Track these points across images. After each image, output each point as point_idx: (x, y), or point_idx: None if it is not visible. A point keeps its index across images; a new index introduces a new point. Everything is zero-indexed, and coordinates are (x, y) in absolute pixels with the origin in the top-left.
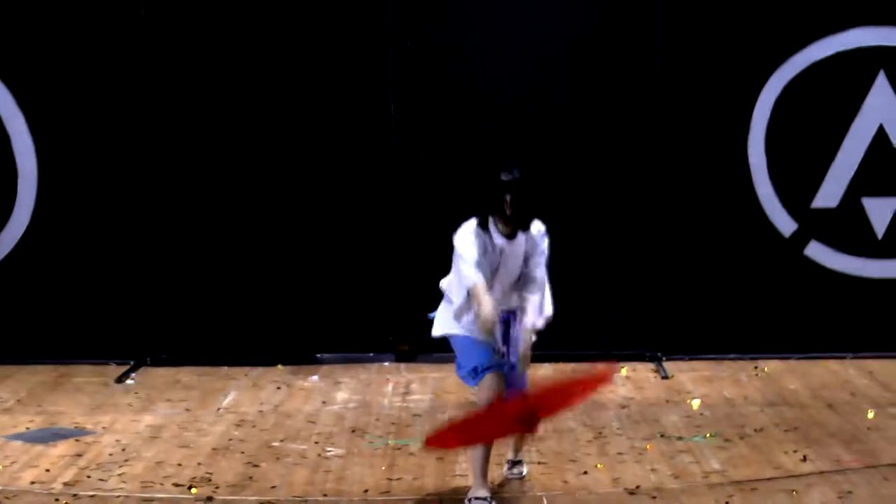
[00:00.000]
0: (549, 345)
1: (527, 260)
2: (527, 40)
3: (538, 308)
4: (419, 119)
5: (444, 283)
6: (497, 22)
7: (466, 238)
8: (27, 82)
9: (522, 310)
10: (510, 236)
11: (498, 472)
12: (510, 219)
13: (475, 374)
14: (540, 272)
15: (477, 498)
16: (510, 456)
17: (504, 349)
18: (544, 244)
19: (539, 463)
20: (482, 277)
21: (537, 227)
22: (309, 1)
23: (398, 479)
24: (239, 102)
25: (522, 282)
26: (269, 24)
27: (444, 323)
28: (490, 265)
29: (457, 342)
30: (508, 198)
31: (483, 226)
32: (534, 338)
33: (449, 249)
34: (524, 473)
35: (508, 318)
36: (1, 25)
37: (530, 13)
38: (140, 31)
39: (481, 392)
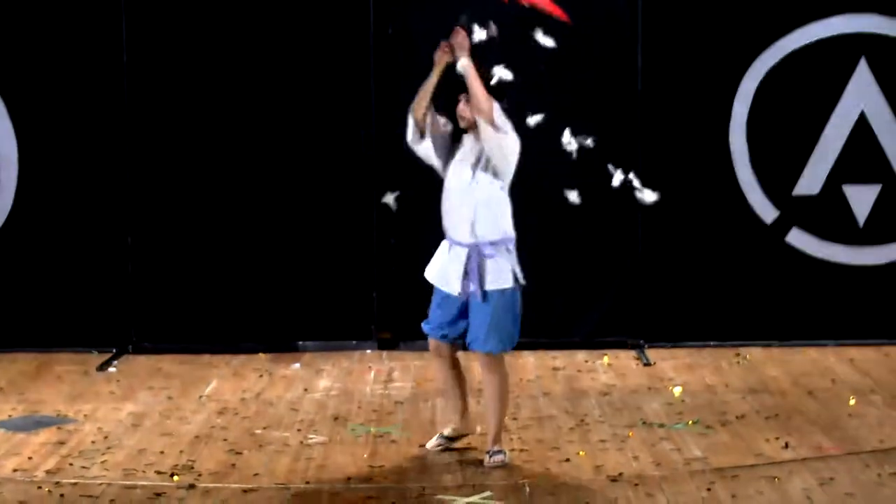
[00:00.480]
0: (531, 332)
1: (479, 172)
2: (507, 27)
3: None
4: (400, 107)
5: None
6: (478, 9)
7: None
8: (7, 70)
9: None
10: (462, 141)
11: (478, 461)
12: (462, 122)
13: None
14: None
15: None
16: (489, 446)
17: (463, 288)
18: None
19: (521, 451)
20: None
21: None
22: None
23: (380, 466)
24: (220, 90)
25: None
26: (250, 12)
27: (432, 261)
28: (444, 172)
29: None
30: (462, 97)
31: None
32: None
33: (431, 238)
34: (505, 461)
35: (470, 252)
36: None
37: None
38: (120, 17)
39: (431, 349)
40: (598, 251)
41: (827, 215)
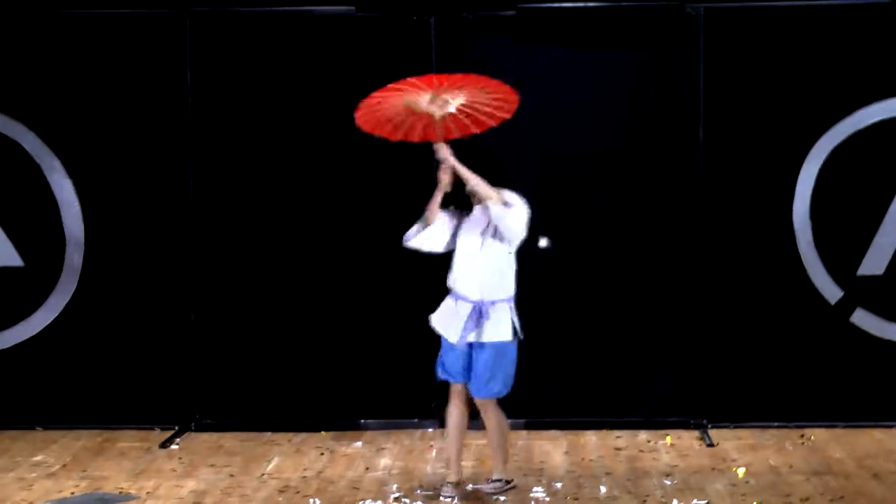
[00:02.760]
0: (592, 411)
1: (488, 237)
2: (573, 102)
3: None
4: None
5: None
6: (533, 103)
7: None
8: (75, 150)
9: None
10: (474, 211)
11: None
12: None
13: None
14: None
15: (446, 483)
16: (493, 476)
17: (462, 339)
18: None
19: (499, 480)
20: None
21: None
22: (355, 64)
23: None
24: (283, 167)
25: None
26: (315, 86)
27: (437, 314)
28: (454, 239)
29: (442, 340)
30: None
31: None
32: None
33: None
34: (503, 488)
35: (477, 306)
36: (51, 95)
37: (568, 92)
38: (186, 97)
39: (455, 393)
40: (661, 329)
41: (892, 295)
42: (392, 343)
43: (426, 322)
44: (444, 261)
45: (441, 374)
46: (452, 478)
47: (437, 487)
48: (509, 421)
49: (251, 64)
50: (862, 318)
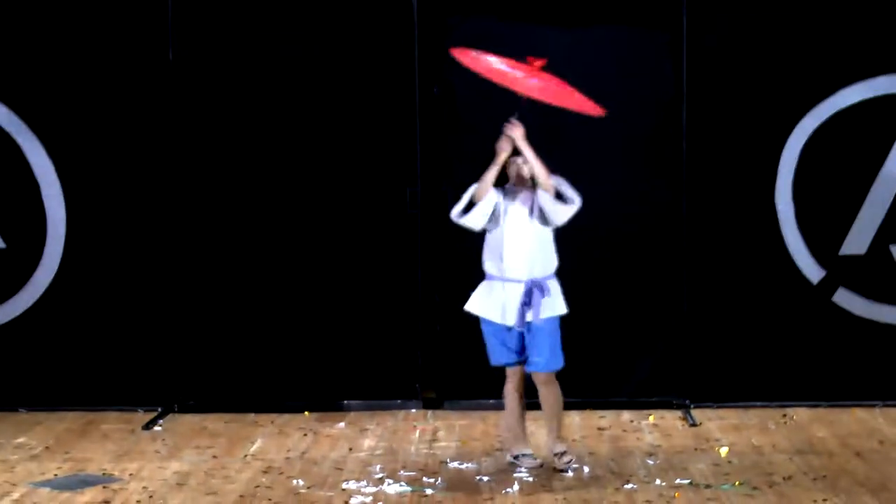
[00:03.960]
0: (576, 391)
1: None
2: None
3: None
4: (446, 164)
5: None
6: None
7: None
8: (56, 130)
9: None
10: (515, 190)
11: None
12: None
13: (495, 362)
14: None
15: (523, 455)
16: (556, 448)
17: (522, 322)
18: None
19: (565, 451)
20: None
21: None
22: (337, 48)
23: None
24: (263, 153)
25: (546, 247)
26: (296, 83)
27: (473, 299)
28: (498, 220)
29: (483, 325)
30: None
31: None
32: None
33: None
34: (574, 459)
35: (531, 287)
36: (30, 73)
37: (561, 57)
38: (169, 84)
39: (507, 379)
40: (644, 310)
41: (873, 275)
42: (374, 324)
43: (409, 301)
44: (423, 239)
45: (497, 360)
46: (526, 449)
47: (512, 458)
48: (492, 401)
49: (234, 43)
50: (844, 298)
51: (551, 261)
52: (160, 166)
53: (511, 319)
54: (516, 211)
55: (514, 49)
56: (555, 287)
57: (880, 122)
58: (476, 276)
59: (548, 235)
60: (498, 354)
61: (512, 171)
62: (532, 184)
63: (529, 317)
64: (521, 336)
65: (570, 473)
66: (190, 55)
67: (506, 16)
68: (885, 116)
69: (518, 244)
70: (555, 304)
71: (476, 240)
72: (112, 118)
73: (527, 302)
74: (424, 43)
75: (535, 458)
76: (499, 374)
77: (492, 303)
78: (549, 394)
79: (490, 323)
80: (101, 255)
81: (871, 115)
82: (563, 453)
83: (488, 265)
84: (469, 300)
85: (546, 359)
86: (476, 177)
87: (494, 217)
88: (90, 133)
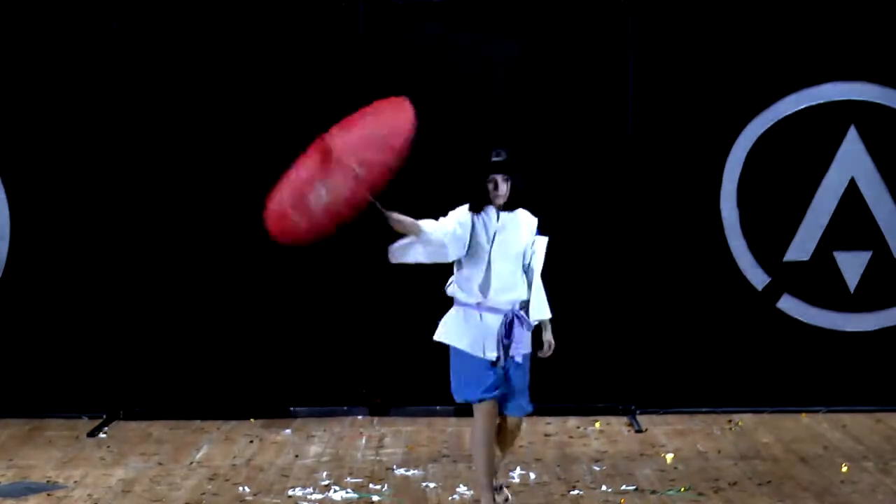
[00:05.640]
0: None
1: (524, 252)
2: (503, 88)
3: (539, 301)
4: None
5: (450, 289)
6: (464, 77)
7: (453, 214)
8: (2, 142)
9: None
10: (501, 218)
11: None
12: (501, 199)
13: (473, 397)
14: (534, 278)
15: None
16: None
17: (502, 355)
18: (539, 242)
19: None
20: (432, 226)
21: (530, 219)
22: (282, 48)
23: None
24: (209, 160)
25: (523, 278)
26: (247, 94)
27: (447, 330)
28: (481, 248)
29: (454, 357)
30: (498, 178)
31: (475, 210)
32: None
33: (423, 304)
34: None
35: (512, 317)
36: None
37: (500, 75)
38: (113, 86)
39: (480, 416)
40: (590, 317)
41: (818, 281)
42: (321, 330)
43: (355, 309)
44: (370, 246)
45: (467, 396)
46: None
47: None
48: (438, 408)
49: (178, 45)
50: (789, 304)
51: (524, 290)
52: (105, 171)
53: (489, 353)
54: (506, 239)
55: (456, 58)
56: (527, 319)
57: (824, 130)
58: (425, 282)
59: (523, 257)
60: (470, 390)
61: (492, 192)
62: (509, 206)
63: (508, 350)
64: (499, 372)
65: (517, 480)
66: (133, 45)
67: (451, 25)
68: (829, 124)
69: (505, 273)
70: (530, 339)
71: None
72: (56, 121)
73: (507, 334)
74: (370, 48)
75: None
76: (444, 380)
77: (467, 333)
78: (515, 438)
79: (465, 355)
80: (45, 262)
81: (816, 122)
82: (501, 487)
83: (462, 293)
84: (440, 329)
85: (523, 400)
86: (430, 179)
87: (476, 244)
88: (35, 141)
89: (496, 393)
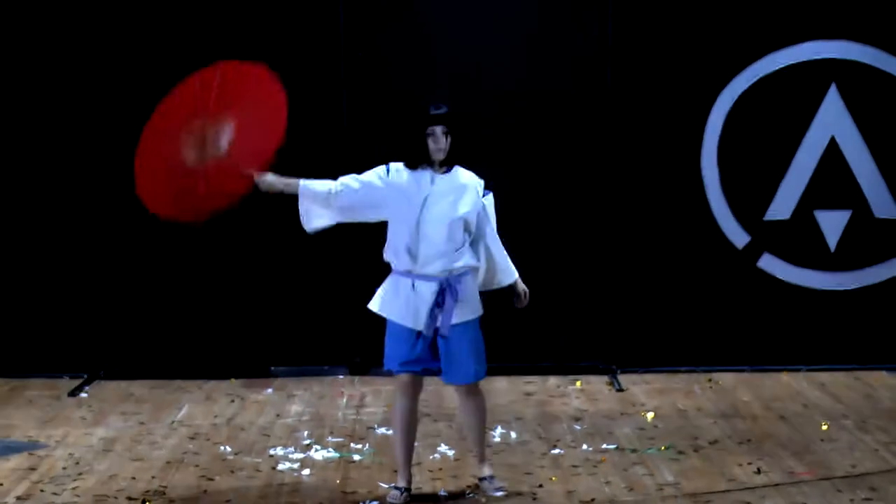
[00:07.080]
0: (503, 357)
1: (467, 218)
2: (474, 56)
3: (504, 265)
4: (372, 128)
5: (385, 254)
6: (445, 45)
7: (376, 169)
8: None
9: (459, 278)
10: (436, 182)
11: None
12: (440, 153)
13: (393, 367)
14: (493, 242)
15: (396, 488)
16: (484, 472)
17: (431, 325)
18: (488, 204)
19: (493, 476)
20: (322, 185)
21: (475, 179)
22: (262, 15)
23: (352, 492)
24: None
25: (466, 245)
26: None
27: (380, 298)
28: (412, 208)
29: (388, 326)
30: (438, 130)
31: (411, 166)
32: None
33: None
34: (504, 487)
35: (443, 285)
36: None
37: (479, 32)
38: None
39: (397, 389)
40: (570, 276)
41: (798, 240)
42: (302, 290)
43: (336, 269)
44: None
45: (395, 366)
46: (402, 482)
47: (384, 493)
48: None
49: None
50: (769, 263)
51: (467, 253)
52: (88, 131)
53: (417, 324)
54: (438, 197)
55: (434, 11)
56: (471, 284)
57: (805, 88)
58: None
59: (462, 224)
60: (398, 359)
61: (431, 147)
62: (448, 162)
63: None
64: (429, 342)
65: (498, 439)
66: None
67: None
68: (811, 82)
69: (433, 237)
70: (472, 307)
71: None
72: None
73: (439, 303)
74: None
75: (403, 493)
76: None
77: (397, 302)
78: (476, 406)
79: (393, 325)
80: (24, 222)
81: (797, 80)
82: (491, 477)
83: (395, 259)
84: (374, 298)
85: (462, 370)
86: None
87: (400, 205)
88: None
89: (417, 368)
